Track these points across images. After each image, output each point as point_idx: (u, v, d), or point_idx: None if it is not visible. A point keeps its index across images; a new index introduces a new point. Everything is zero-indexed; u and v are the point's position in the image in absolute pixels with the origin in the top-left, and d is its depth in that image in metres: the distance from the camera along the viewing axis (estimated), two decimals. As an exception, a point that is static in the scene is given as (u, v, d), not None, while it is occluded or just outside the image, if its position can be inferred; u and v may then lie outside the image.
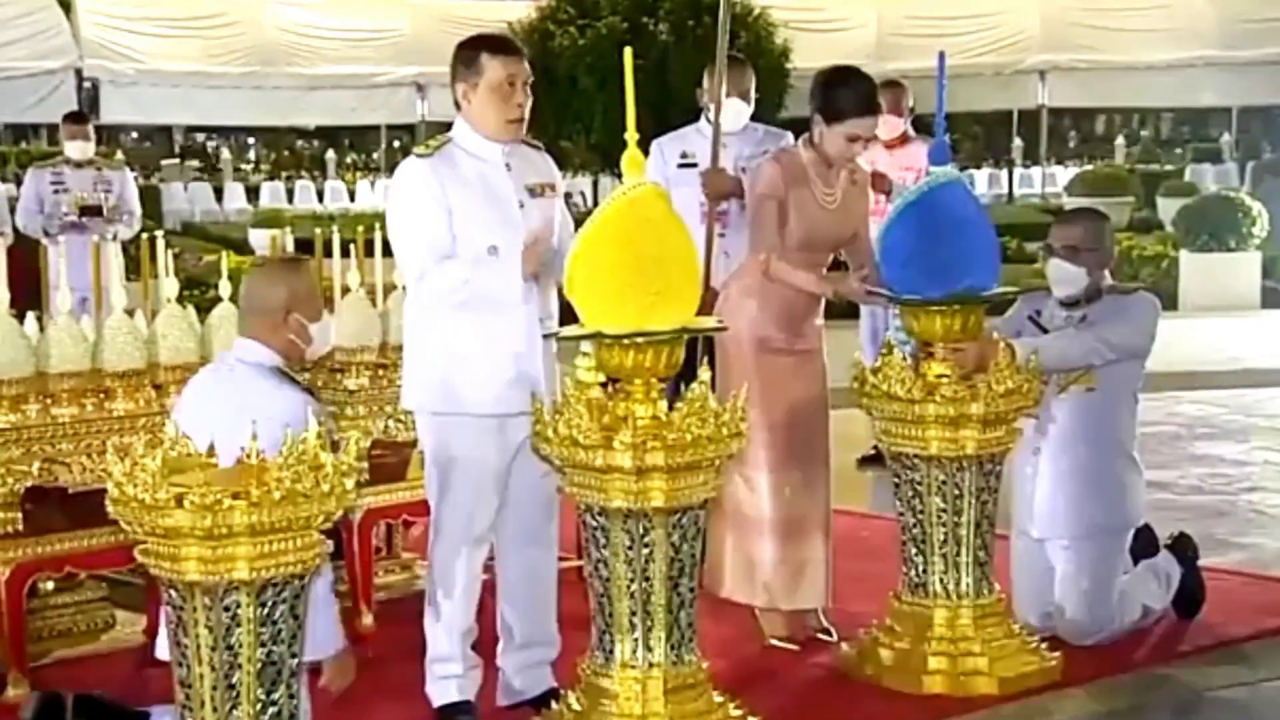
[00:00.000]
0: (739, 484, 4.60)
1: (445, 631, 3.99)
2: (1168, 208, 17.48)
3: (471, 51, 3.96)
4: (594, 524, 3.61)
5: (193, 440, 3.00)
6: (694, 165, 5.46)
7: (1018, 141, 25.26)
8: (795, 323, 4.68)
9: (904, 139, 7.13)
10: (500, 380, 3.89)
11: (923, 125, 7.29)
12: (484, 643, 4.09)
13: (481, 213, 3.90)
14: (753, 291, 4.64)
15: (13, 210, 8.65)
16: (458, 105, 3.99)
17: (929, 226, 4.21)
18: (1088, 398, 4.52)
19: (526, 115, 3.96)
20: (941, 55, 4.62)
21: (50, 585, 4.59)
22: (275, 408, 3.18)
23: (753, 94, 5.71)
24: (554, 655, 4.09)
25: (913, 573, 4.34)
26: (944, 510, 4.26)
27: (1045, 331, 4.55)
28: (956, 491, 4.24)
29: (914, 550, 4.34)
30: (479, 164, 3.94)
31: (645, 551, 3.55)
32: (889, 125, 7.14)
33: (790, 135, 5.78)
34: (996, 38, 22.41)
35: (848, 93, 4.60)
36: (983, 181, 23.87)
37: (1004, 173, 25.08)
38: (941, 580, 4.28)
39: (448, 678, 4.00)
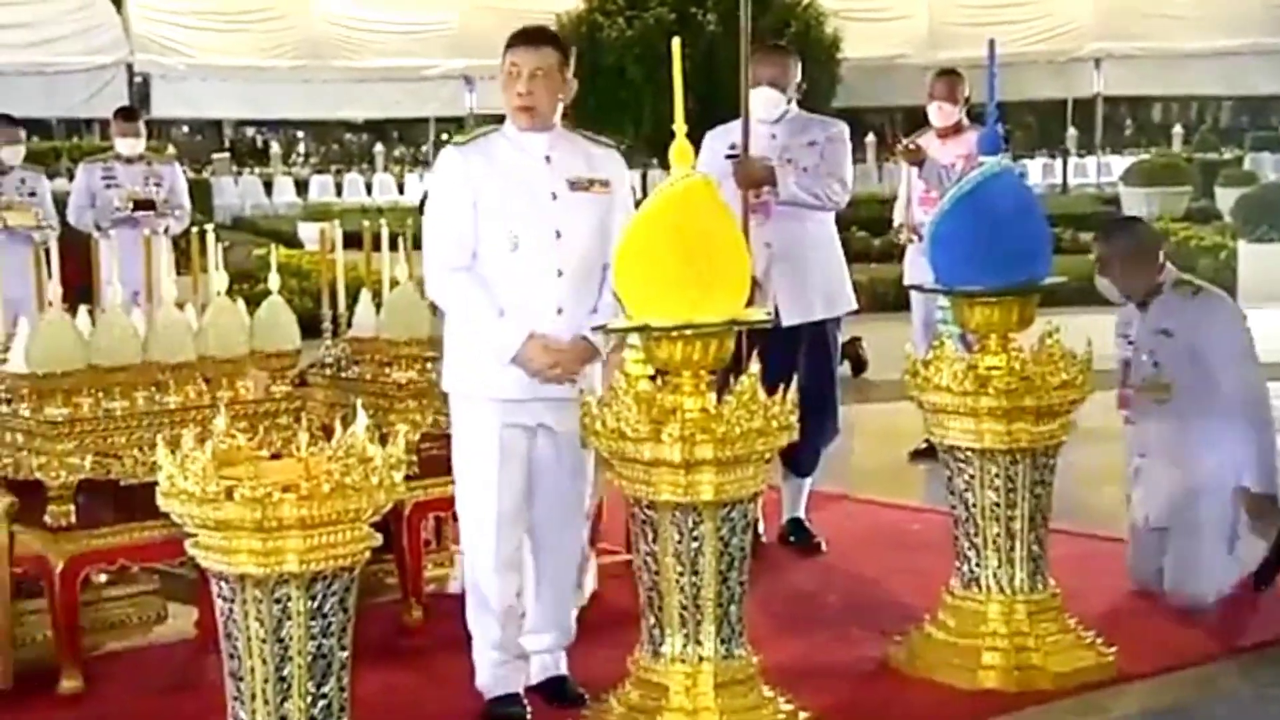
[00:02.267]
0: None
1: (480, 615, 4.02)
2: (1226, 197, 17.26)
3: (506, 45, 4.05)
4: (643, 517, 3.61)
5: None
6: (739, 157, 5.44)
7: (1072, 131, 25.03)
8: None
9: (958, 128, 7.09)
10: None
11: (976, 115, 7.24)
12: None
13: (507, 202, 3.92)
14: None
15: (63, 205, 8.75)
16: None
17: (981, 217, 4.19)
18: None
19: (537, 104, 3.95)
20: (992, 43, 4.59)
21: (102, 578, 4.63)
22: None
23: (793, 82, 5.67)
24: (565, 643, 4.12)
25: (966, 567, 4.32)
26: (997, 504, 4.23)
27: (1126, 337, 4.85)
28: (1010, 485, 4.21)
29: (967, 545, 4.31)
30: (517, 153, 3.97)
31: (694, 545, 3.54)
32: (943, 113, 7.10)
33: (844, 125, 5.75)
34: (1050, 25, 22.25)
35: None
36: (1036, 171, 23.68)
37: (1058, 162, 24.86)
38: (995, 575, 4.26)
39: (491, 666, 4.03)
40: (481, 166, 3.94)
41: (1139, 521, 4.96)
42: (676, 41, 3.63)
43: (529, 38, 4.02)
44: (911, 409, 4.54)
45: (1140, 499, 4.95)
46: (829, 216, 5.66)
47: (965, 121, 7.14)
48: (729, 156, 5.40)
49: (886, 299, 11.31)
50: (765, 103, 5.51)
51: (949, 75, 7.25)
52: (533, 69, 3.94)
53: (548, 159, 3.97)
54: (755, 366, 3.60)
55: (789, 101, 5.63)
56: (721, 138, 5.54)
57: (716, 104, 5.40)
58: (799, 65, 5.74)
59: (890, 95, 21.64)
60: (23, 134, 8.70)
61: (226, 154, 26.04)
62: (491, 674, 4.02)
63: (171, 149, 16.02)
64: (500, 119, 4.10)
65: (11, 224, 7.95)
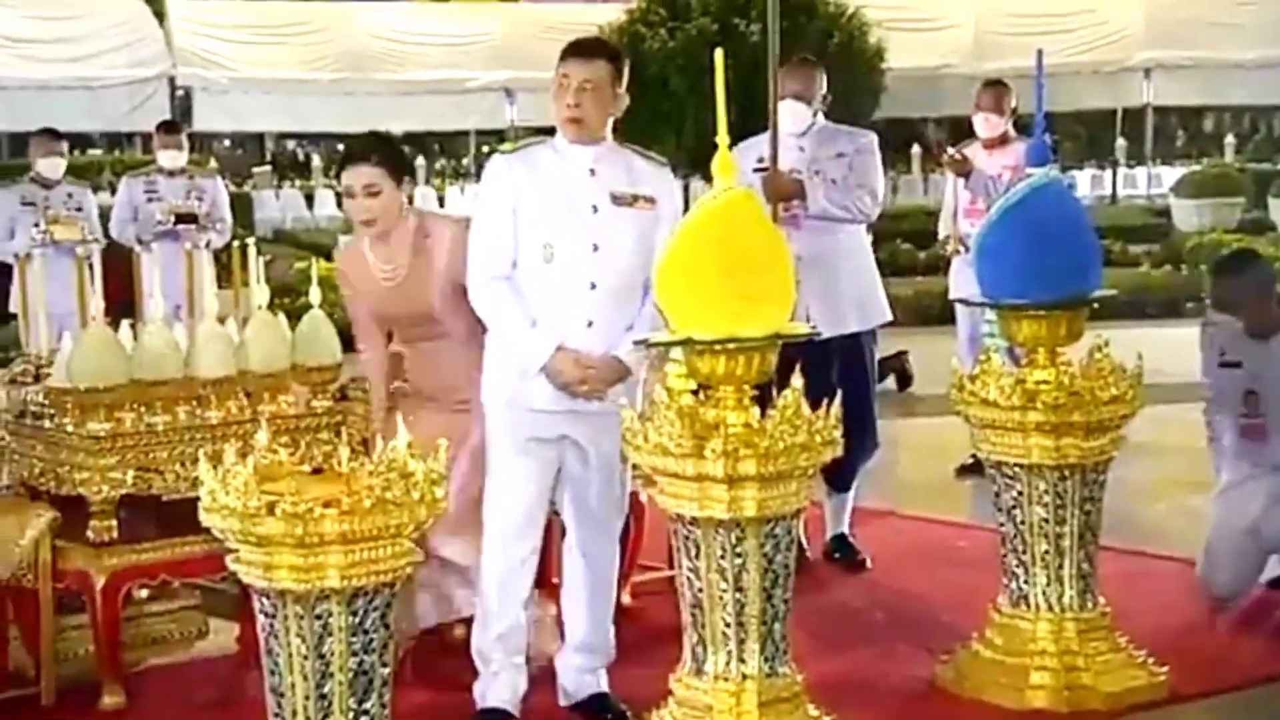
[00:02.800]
0: None
1: (480, 629, 4.06)
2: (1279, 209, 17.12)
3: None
4: (685, 533, 3.60)
5: None
6: (767, 170, 5.44)
7: (1122, 141, 24.85)
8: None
9: (1004, 139, 7.06)
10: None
11: (1023, 125, 7.21)
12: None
13: (545, 212, 3.95)
14: None
15: (106, 219, 8.83)
16: None
17: (1028, 229, 4.17)
18: None
19: (585, 116, 3.97)
20: (1040, 53, 4.57)
21: (144, 593, 4.66)
22: None
23: (819, 94, 5.66)
24: (606, 661, 4.13)
25: (1014, 585, 4.29)
26: (1046, 521, 4.21)
27: (1236, 366, 4.97)
28: (1059, 502, 4.19)
29: (1015, 562, 4.28)
30: (562, 164, 4.00)
31: (738, 561, 3.54)
32: (989, 125, 7.08)
33: (873, 135, 5.74)
34: (1099, 34, 22.12)
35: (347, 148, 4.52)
36: (1085, 182, 23.51)
37: (1107, 173, 24.68)
38: (1044, 593, 4.23)
39: (481, 678, 4.07)
40: (525, 175, 3.97)
41: (1235, 528, 4.94)
42: (719, 53, 3.63)
43: (581, 49, 4.05)
44: (958, 424, 4.52)
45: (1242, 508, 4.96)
46: (859, 228, 5.66)
47: (1012, 132, 7.11)
48: (757, 170, 5.39)
49: (932, 312, 11.27)
50: (791, 115, 5.51)
51: (996, 86, 7.23)
52: (582, 81, 3.96)
53: (592, 172, 3.99)
54: (798, 380, 3.60)
55: (815, 114, 5.64)
56: (748, 152, 5.53)
57: (760, 115, 5.39)
58: (824, 77, 5.74)
59: (935, 106, 21.58)
60: (64, 147, 8.79)
61: (268, 167, 26.24)
62: (482, 683, 4.06)
63: (213, 162, 16.15)
64: (541, 132, 4.13)
65: (59, 238, 8.03)
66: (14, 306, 6.29)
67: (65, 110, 17.45)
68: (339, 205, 23.45)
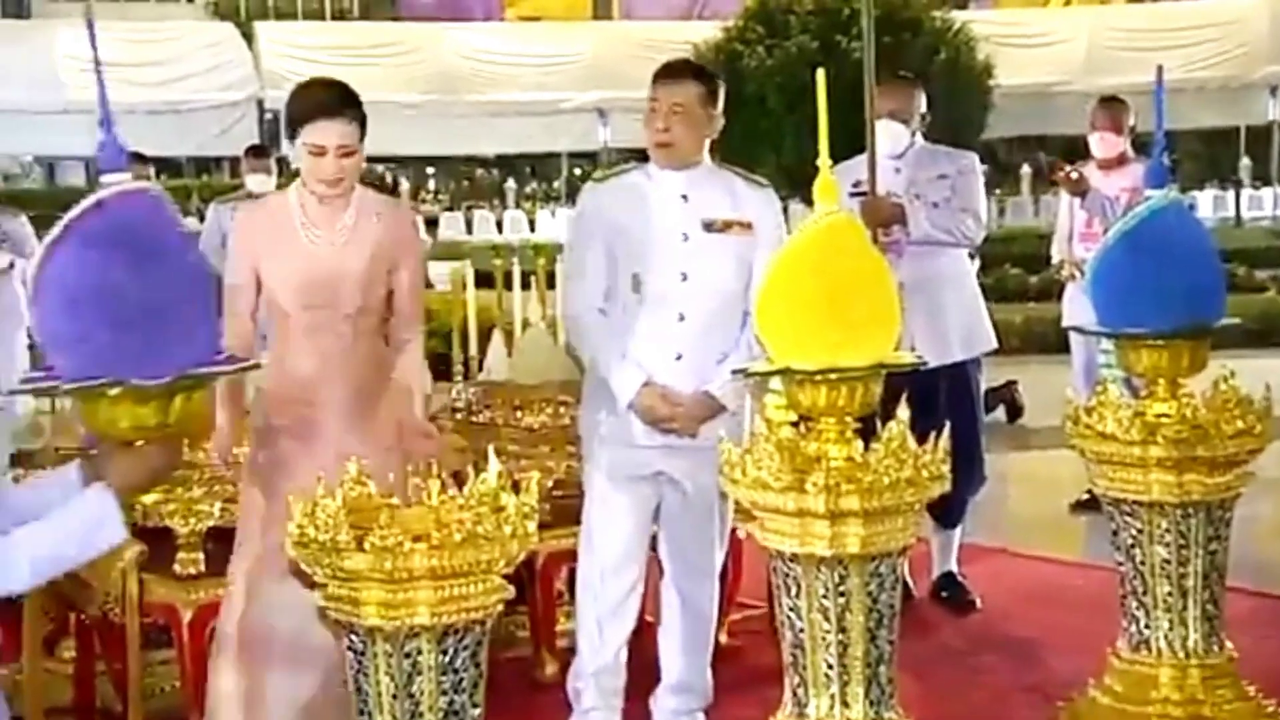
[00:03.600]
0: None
1: (575, 666, 4.06)
2: None
3: None
4: (786, 571, 3.58)
5: None
6: (865, 194, 5.41)
7: (1246, 160, 24.47)
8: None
9: (1122, 159, 6.97)
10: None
11: (1141, 145, 7.11)
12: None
13: (632, 241, 3.96)
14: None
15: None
16: None
17: (1146, 254, 4.10)
18: None
19: (675, 141, 4.00)
20: (1160, 69, 4.51)
21: (230, 626, 4.72)
22: None
23: (918, 114, 5.62)
24: (705, 704, 4.12)
25: (1134, 628, 4.21)
26: (1168, 561, 4.13)
27: None
28: (1182, 541, 4.11)
29: (1135, 604, 4.21)
30: (653, 191, 4.01)
31: (841, 601, 3.50)
32: (1106, 144, 6.99)
33: (974, 155, 5.69)
34: (1220, 49, 21.82)
35: (296, 96, 3.90)
36: (1206, 204, 23.18)
37: (1230, 194, 24.31)
38: (1166, 637, 4.15)
39: (574, 717, 4.09)
40: (614, 204, 3.99)
41: None
42: (821, 73, 3.62)
43: (670, 72, 4.07)
44: (1071, 457, 4.45)
45: None
46: (962, 252, 5.62)
47: (1130, 152, 7.01)
48: (854, 194, 5.36)
49: (1044, 340, 11.15)
50: (888, 136, 5.46)
51: (1113, 103, 7.14)
52: (672, 105, 3.97)
53: (685, 198, 3.99)
54: (904, 412, 3.57)
55: (914, 134, 5.59)
56: (845, 175, 5.50)
57: (862, 135, 5.36)
58: (923, 95, 5.70)
59: (1046, 124, 21.39)
60: (152, 172, 8.97)
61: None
62: None
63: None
64: (635, 154, 4.15)
65: None
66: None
67: (154, 134, 17.85)
68: (428, 229, 23.79)
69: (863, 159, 5.41)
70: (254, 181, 8.98)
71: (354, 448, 3.53)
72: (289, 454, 3.81)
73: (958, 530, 5.67)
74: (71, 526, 2.68)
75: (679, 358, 3.96)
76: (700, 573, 4.12)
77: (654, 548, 4.23)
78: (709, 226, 3.98)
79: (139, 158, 8.92)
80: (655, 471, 4.02)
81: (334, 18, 28.37)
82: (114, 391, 2.62)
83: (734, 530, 4.87)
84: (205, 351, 2.75)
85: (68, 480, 2.79)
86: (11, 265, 8.72)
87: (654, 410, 3.93)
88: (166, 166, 19.47)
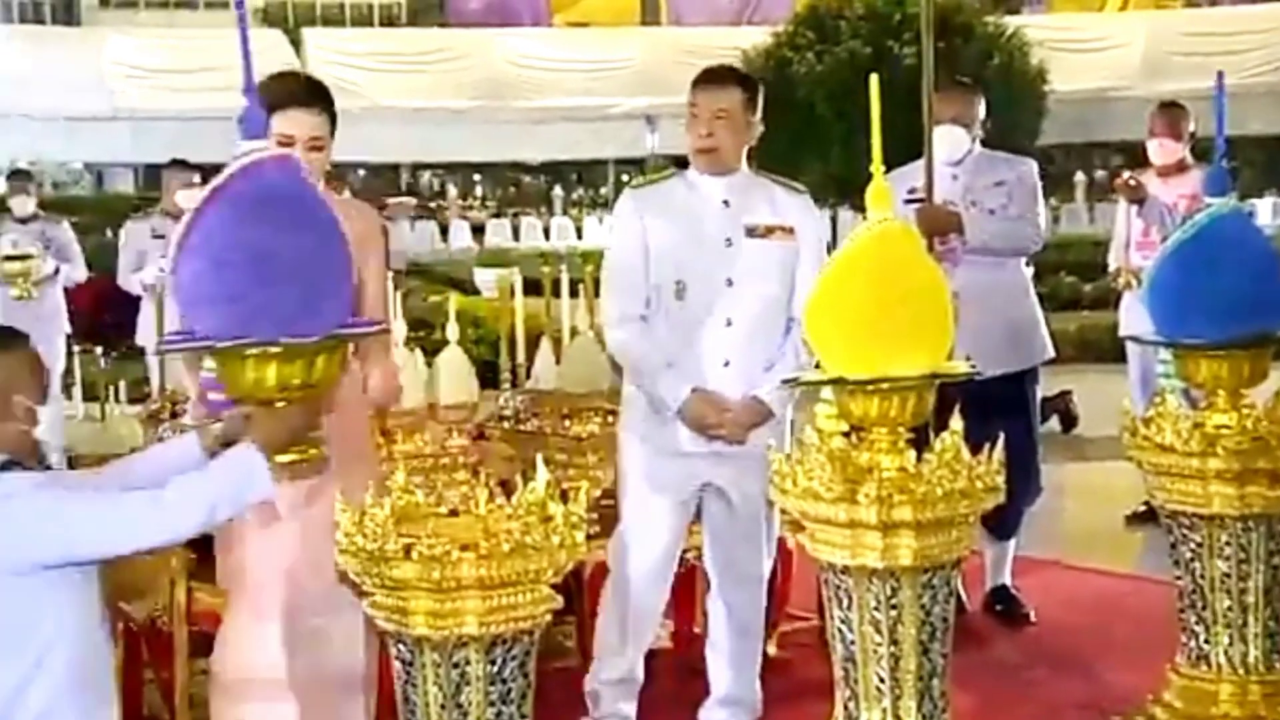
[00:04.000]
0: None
1: (595, 670, 4.08)
2: None
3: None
4: (837, 583, 3.56)
5: None
6: (921, 201, 5.39)
7: (1306, 167, 24.23)
8: None
9: (1181, 166, 6.91)
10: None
11: (1200, 151, 7.05)
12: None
13: (676, 247, 3.96)
14: None
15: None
16: None
17: (1206, 263, 4.07)
18: None
19: (718, 146, 4.00)
20: (1220, 74, 4.47)
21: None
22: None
23: (978, 120, 5.60)
24: (754, 717, 4.12)
25: (1193, 643, 4.18)
26: (1228, 575, 4.09)
27: None
28: (1242, 555, 4.07)
29: (1194, 619, 4.17)
30: (694, 197, 4.02)
31: (893, 613, 3.49)
32: (1165, 150, 6.93)
33: (1032, 162, 5.65)
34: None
35: (265, 89, 3.64)
36: (1267, 211, 22.93)
37: (1290, 201, 24.07)
38: (1226, 652, 4.11)
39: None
40: (654, 210, 3.99)
41: None
42: (874, 79, 3.61)
43: (711, 77, 4.06)
44: (1127, 468, 4.42)
45: None
46: (1019, 261, 5.58)
47: (1189, 159, 6.95)
48: (909, 201, 5.34)
49: (1100, 349, 11.07)
50: (948, 142, 5.42)
51: (1172, 109, 7.08)
52: (715, 110, 3.98)
53: (726, 203, 4.00)
54: (958, 422, 3.55)
55: (973, 140, 5.57)
56: (900, 181, 5.50)
57: (913, 142, 5.34)
58: (983, 102, 5.67)
59: (1101, 130, 21.26)
60: (197, 178, 9.02)
61: (404, 198, 26.77)
62: None
63: (348, 193, 16.48)
64: (682, 161, 4.15)
65: None
66: (140, 339, 6.49)
67: (200, 141, 17.97)
68: (473, 236, 23.89)
69: (916, 165, 5.39)
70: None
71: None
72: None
73: (1012, 542, 5.63)
74: (220, 482, 2.80)
75: (727, 364, 3.96)
76: (748, 583, 4.11)
77: (699, 559, 4.23)
78: (752, 232, 3.99)
79: (184, 164, 8.99)
80: (702, 483, 4.01)
81: (382, 24, 28.56)
82: (266, 350, 2.72)
83: (783, 540, 4.87)
84: (344, 311, 2.86)
85: (189, 450, 2.91)
86: (57, 271, 8.81)
87: (703, 416, 3.92)
88: (215, 173, 19.54)
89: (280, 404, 2.84)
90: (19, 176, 9.48)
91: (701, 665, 4.27)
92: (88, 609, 2.90)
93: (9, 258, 8.51)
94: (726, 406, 3.94)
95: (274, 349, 2.74)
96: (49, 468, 3.21)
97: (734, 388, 3.96)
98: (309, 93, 3.77)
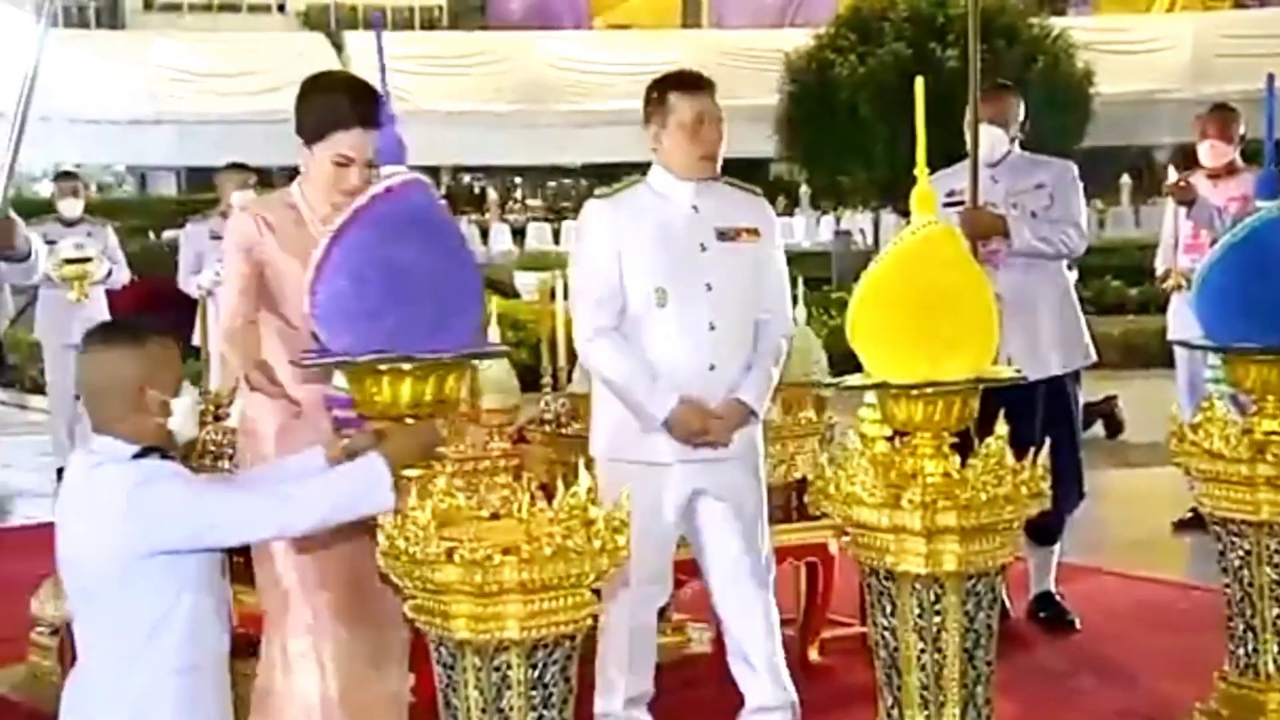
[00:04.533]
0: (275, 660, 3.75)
1: (607, 696, 4.04)
2: None
3: (660, 92, 4.09)
4: (880, 589, 3.55)
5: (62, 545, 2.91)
6: (960, 204, 5.36)
7: (1356, 169, 24.01)
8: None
9: (1231, 168, 6.86)
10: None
11: (1250, 154, 6.99)
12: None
13: (653, 255, 3.96)
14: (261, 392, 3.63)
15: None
16: (653, 148, 4.10)
17: (1256, 267, 4.03)
18: None
19: (719, 153, 4.03)
20: (1271, 77, 4.43)
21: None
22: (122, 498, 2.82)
23: (1016, 121, 5.57)
24: (793, 715, 4.06)
25: (1241, 651, 4.14)
26: (1277, 583, 4.05)
27: None
28: (1291, 562, 4.03)
29: (1242, 627, 4.13)
30: (663, 204, 4.02)
31: (937, 620, 3.47)
32: (1215, 152, 6.88)
33: (1072, 164, 5.62)
34: (1331, 53, 21.41)
35: (326, 99, 3.70)
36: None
37: (1340, 204, 23.85)
38: (1276, 660, 4.06)
39: None
40: (627, 219, 4.00)
41: None
42: (920, 81, 3.59)
43: (704, 84, 4.11)
44: (1172, 474, 4.39)
45: None
46: (1061, 264, 5.55)
47: (1239, 162, 6.90)
48: (948, 204, 5.31)
49: (1146, 353, 11.00)
50: (987, 142, 5.40)
51: (1223, 110, 7.03)
52: (716, 116, 4.01)
53: (695, 209, 4.01)
54: (1003, 427, 3.53)
55: (1011, 141, 5.54)
56: (939, 184, 5.46)
57: (957, 144, 5.32)
58: (1021, 104, 5.65)
59: (1147, 133, 21.11)
60: (253, 180, 9.05)
61: (443, 202, 26.87)
62: None
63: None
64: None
65: None
66: (198, 340, 6.54)
67: (245, 144, 18.08)
68: (514, 239, 23.94)
69: (957, 168, 5.37)
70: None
71: None
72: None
73: (1055, 548, 5.60)
74: (344, 487, 2.89)
75: (712, 368, 3.96)
76: (756, 588, 4.08)
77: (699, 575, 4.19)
78: (723, 235, 4.01)
79: (240, 167, 9.02)
80: (692, 490, 3.98)
81: (423, 27, 28.68)
82: (399, 367, 2.82)
83: (825, 545, 4.85)
84: (475, 331, 2.97)
85: (312, 463, 3.01)
86: (109, 274, 8.87)
87: (689, 425, 3.91)
88: (257, 176, 19.70)
89: (410, 420, 2.93)
90: (67, 178, 9.54)
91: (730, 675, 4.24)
92: (205, 596, 2.94)
93: (68, 261, 8.58)
94: (713, 413, 3.93)
95: (408, 366, 2.84)
96: (185, 457, 3.29)
97: (718, 391, 3.97)
98: (376, 112, 3.50)
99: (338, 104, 3.63)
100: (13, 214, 4.56)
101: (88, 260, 8.62)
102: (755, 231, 4.06)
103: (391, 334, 2.82)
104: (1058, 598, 5.60)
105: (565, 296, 5.11)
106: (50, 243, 8.41)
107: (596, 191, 4.20)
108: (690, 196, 4.02)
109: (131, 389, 2.89)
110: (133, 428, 2.90)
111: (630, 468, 3.93)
